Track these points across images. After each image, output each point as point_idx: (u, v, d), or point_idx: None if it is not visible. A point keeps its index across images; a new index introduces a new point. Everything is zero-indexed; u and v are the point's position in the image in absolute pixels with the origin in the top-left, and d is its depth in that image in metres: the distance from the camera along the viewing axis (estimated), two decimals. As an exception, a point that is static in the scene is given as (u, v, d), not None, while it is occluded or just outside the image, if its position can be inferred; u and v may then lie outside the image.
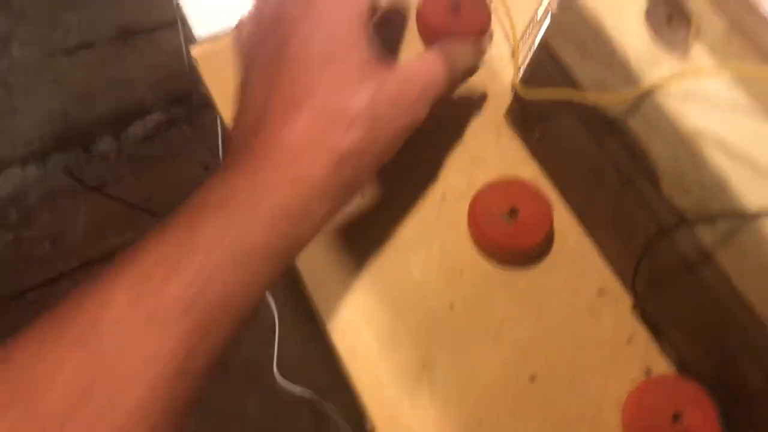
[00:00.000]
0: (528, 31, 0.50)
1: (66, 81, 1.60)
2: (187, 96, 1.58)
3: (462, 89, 0.49)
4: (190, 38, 0.52)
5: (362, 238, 0.45)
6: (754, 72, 0.34)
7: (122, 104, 1.60)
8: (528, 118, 0.47)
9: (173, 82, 1.60)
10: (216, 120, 0.47)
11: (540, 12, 0.49)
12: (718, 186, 0.34)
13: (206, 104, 0.45)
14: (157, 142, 1.59)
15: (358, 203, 0.46)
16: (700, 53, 0.36)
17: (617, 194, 0.41)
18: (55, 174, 1.54)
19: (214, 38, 0.50)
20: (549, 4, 0.48)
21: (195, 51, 0.49)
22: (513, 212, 0.44)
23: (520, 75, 0.45)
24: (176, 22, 0.53)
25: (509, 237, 0.43)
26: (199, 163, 1.51)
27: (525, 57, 0.47)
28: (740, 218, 0.33)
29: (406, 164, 0.47)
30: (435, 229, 0.46)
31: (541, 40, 0.41)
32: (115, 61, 1.64)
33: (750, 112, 0.34)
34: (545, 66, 0.41)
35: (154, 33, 1.67)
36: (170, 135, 1.59)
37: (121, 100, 1.60)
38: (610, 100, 0.37)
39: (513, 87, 0.46)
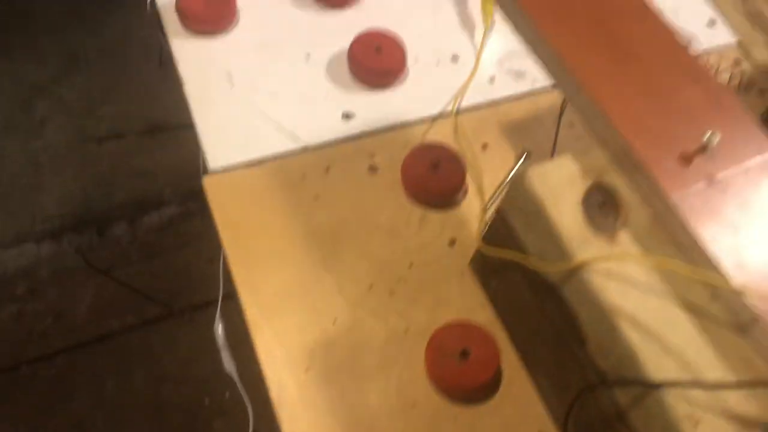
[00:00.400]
0: (497, 194, 0.57)
1: (92, 167, 1.70)
2: (202, 192, 1.67)
3: (437, 234, 0.56)
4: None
5: (328, 362, 0.50)
6: (669, 264, 0.40)
7: (142, 194, 1.68)
8: (488, 269, 0.53)
9: (192, 178, 1.69)
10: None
11: (507, 181, 0.56)
12: (630, 356, 0.39)
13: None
14: (169, 233, 1.66)
15: (328, 329, 0.51)
16: (625, 239, 0.42)
17: (555, 349, 0.46)
18: (67, 253, 1.61)
19: (224, 171, 0.57)
20: (513, 176, 0.55)
21: (206, 181, 0.56)
22: (465, 353, 0.49)
23: (484, 231, 0.52)
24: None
25: (459, 376, 0.49)
26: (205, 257, 1.58)
27: (491, 216, 0.54)
28: (647, 386, 0.39)
29: (378, 298, 0.53)
30: (396, 360, 0.51)
31: (498, 208, 0.48)
32: (140, 153, 1.74)
33: (661, 296, 0.40)
34: (501, 230, 0.48)
35: (181, 130, 1.77)
36: (183, 227, 1.66)
37: (141, 189, 1.69)
38: (547, 269, 0.43)
39: (478, 241, 0.52)
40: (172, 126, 1.76)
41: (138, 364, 1.46)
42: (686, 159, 0.42)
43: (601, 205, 0.44)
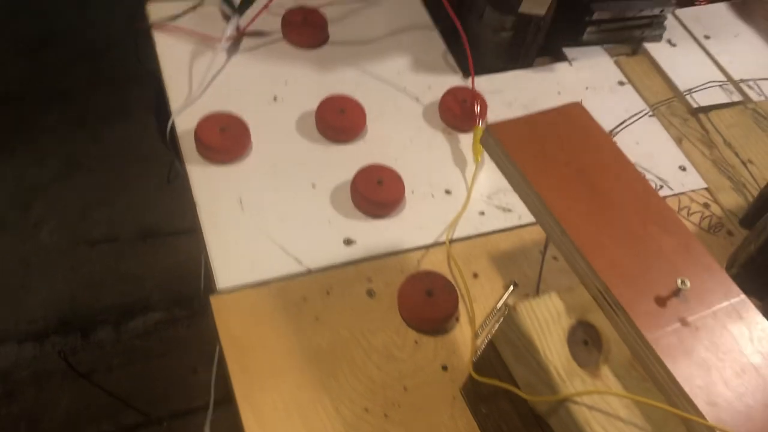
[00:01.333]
0: (486, 322, 0.61)
1: (82, 269, 1.72)
2: (189, 300, 1.69)
3: (430, 359, 0.59)
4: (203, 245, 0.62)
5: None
6: (647, 400, 0.44)
7: (129, 298, 1.69)
8: (478, 396, 0.56)
9: (180, 284, 1.71)
10: (210, 325, 0.57)
11: (496, 310, 0.60)
12: (612, 487, 0.42)
13: (205, 310, 0.55)
14: (153, 339, 1.66)
15: (326, 450, 0.53)
16: (607, 374, 0.46)
17: (541, 477, 0.49)
18: (49, 355, 1.60)
19: (231, 291, 0.61)
20: (502, 307, 0.59)
21: (213, 300, 0.60)
22: (455, 478, 0.51)
23: (475, 359, 0.55)
24: (193, 230, 0.64)
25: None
26: (189, 367, 1.57)
27: (481, 344, 0.57)
28: None
29: (373, 420, 0.55)
30: (388, 483, 0.53)
31: (490, 338, 0.51)
32: (131, 258, 1.77)
33: (641, 430, 0.44)
34: (492, 359, 0.51)
35: (172, 237, 1.81)
36: (167, 334, 1.66)
37: (129, 294, 1.70)
38: (535, 399, 0.46)
39: (469, 368, 0.56)
40: (163, 233, 1.80)
41: (110, 474, 1.43)
42: (661, 302, 0.47)
43: (585, 341, 0.47)
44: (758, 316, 0.47)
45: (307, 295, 0.62)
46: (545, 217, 0.51)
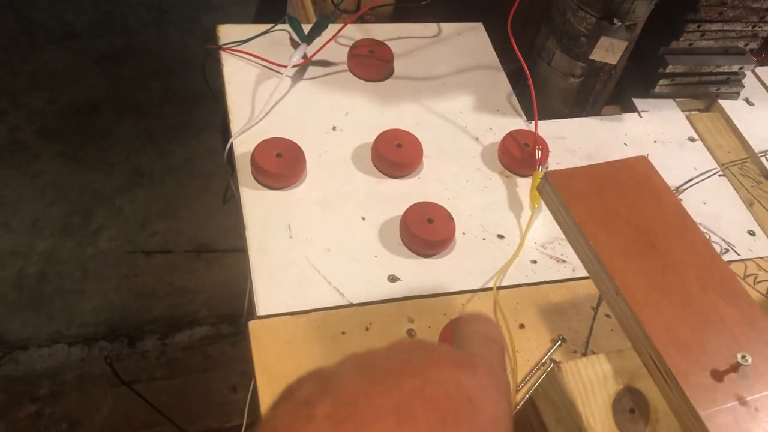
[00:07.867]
0: (529, 376, 0.58)
1: (136, 279, 1.76)
2: (236, 318, 1.70)
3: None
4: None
5: None
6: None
7: (177, 311, 1.72)
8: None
9: (229, 302, 1.73)
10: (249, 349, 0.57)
11: (540, 365, 0.58)
12: None
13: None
14: (197, 354, 1.68)
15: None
16: (653, 447, 0.43)
17: None
18: (96, 360, 1.63)
19: (271, 317, 0.60)
20: (547, 362, 0.57)
21: (251, 325, 0.59)
22: None
23: (514, 414, 0.53)
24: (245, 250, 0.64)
25: None
26: (228, 385, 1.58)
27: (521, 400, 0.55)
28: None
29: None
30: None
31: (529, 395, 0.49)
32: (184, 271, 1.80)
33: None
34: (531, 416, 0.49)
35: (226, 255, 1.84)
36: (211, 350, 1.68)
37: (178, 307, 1.73)
38: (573, 467, 0.44)
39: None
40: (218, 249, 1.83)
41: (143, 484, 1.44)
42: (717, 376, 0.44)
43: (632, 409, 0.45)
44: (826, 403, 0.43)
45: (346, 329, 0.61)
46: (599, 274, 0.49)
